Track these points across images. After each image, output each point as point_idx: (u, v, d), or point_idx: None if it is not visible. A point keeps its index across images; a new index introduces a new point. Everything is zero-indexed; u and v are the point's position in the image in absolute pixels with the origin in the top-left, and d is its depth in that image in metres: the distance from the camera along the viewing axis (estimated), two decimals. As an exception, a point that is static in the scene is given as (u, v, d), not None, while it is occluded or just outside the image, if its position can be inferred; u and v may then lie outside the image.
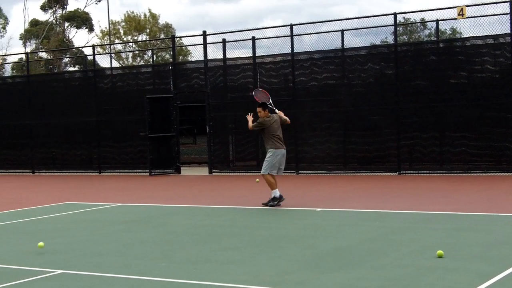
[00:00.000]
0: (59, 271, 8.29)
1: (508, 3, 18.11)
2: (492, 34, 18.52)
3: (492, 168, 18.46)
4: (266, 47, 22.47)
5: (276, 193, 13.37)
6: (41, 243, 9.71)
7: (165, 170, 23.11)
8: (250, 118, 14.06)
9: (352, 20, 20.82)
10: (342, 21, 20.79)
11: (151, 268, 8.32)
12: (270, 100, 14.16)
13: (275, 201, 13.34)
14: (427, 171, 19.20)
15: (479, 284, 6.97)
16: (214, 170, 22.39)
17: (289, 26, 21.03)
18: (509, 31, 18.09)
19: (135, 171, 23.92)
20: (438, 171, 19.04)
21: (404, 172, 19.43)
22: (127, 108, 24.15)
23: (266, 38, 22.46)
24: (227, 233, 10.88)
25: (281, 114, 13.82)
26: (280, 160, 13.44)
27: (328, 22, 21.49)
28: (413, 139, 19.39)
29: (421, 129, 19.30)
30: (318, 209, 12.92)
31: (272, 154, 13.40)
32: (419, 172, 19.31)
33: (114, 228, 11.80)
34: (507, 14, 18.14)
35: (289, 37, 21.03)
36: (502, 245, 8.96)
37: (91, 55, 26.51)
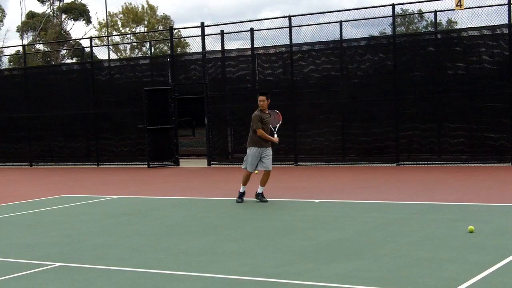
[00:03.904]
0: (58, 264, 8.29)
1: (506, -7, 18.08)
2: (490, 25, 18.50)
3: (490, 159, 18.48)
4: (264, 38, 22.49)
5: (241, 189, 13.21)
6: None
7: (164, 163, 23.10)
8: (275, 139, 13.21)
9: (350, 11, 20.83)
10: (341, 12, 20.75)
11: (150, 260, 8.33)
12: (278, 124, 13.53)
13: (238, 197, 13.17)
14: (425, 162, 19.22)
15: (477, 274, 6.98)
16: (213, 162, 22.38)
17: (288, 18, 20.99)
18: (507, 22, 18.06)
19: (134, 163, 23.91)
20: (436, 162, 19.05)
21: (402, 163, 19.45)
22: (125, 100, 24.11)
23: (265, 29, 22.45)
24: (226, 225, 10.89)
25: (276, 139, 13.20)
26: (257, 158, 13.11)
27: (326, 14, 21.50)
28: (412, 130, 19.40)
29: (420, 120, 19.32)
30: (317, 201, 12.93)
31: (251, 152, 13.18)
32: (418, 163, 19.32)
33: (113, 220, 11.81)
34: (505, 5, 18.12)
35: (288, 28, 20.99)
36: (500, 235, 8.98)
37: (88, 47, 26.45)
